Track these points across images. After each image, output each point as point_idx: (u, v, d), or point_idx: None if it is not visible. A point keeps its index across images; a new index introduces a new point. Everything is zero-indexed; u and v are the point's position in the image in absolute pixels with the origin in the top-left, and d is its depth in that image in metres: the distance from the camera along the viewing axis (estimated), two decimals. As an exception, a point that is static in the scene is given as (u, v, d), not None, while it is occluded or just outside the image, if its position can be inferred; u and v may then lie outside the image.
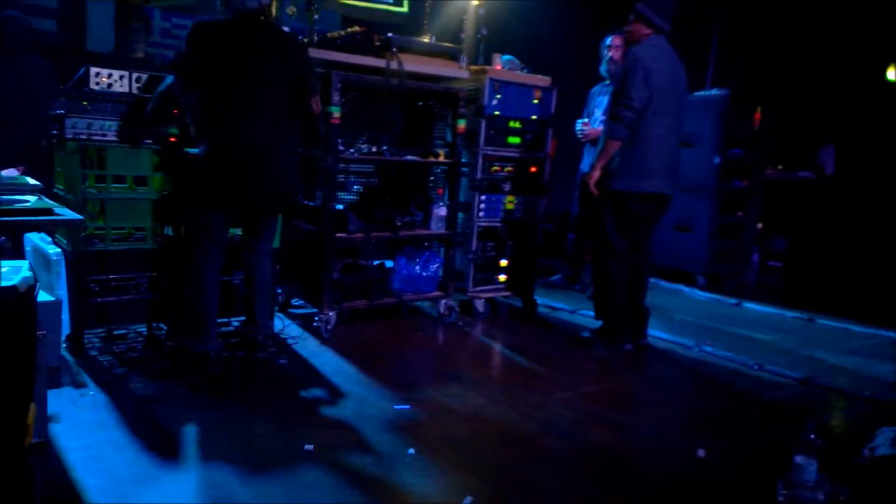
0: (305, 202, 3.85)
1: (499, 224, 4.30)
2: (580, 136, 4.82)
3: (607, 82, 4.74)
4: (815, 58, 6.35)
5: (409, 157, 3.89)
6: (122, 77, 3.00)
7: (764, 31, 6.50)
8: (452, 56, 3.87)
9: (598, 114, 4.69)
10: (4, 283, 1.47)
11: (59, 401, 2.56)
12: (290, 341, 3.49)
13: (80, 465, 2.14)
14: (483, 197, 4.19)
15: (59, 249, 2.98)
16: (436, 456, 2.37)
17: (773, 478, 2.19)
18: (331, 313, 3.61)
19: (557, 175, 6.54)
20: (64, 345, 3.03)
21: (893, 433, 2.39)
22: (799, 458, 2.13)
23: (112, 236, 3.05)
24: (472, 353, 3.70)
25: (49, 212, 1.93)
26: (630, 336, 3.75)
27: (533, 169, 4.38)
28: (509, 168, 4.28)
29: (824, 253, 6.37)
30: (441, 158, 3.98)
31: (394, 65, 3.53)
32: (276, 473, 2.17)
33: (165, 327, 3.32)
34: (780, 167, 6.75)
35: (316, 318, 3.63)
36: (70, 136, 2.88)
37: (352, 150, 3.73)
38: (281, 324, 3.71)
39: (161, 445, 2.32)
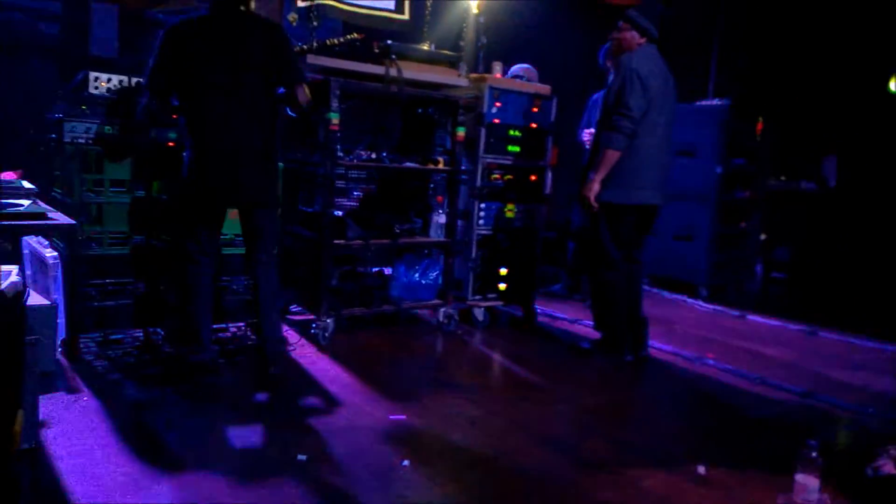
0: (304, 208, 3.84)
1: (498, 232, 4.27)
2: (586, 145, 4.77)
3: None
4: (817, 68, 6.33)
5: (408, 165, 3.87)
6: (120, 81, 2.99)
7: (765, 40, 6.49)
8: (452, 64, 3.86)
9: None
10: (-9, 289, 1.45)
11: (52, 406, 2.55)
12: (287, 348, 3.47)
13: (70, 471, 2.11)
14: (483, 205, 4.17)
15: (55, 253, 2.98)
16: (430, 468, 2.34)
17: (774, 495, 2.15)
18: (329, 320, 3.58)
19: (558, 183, 6.54)
20: (59, 349, 3.01)
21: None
22: (800, 476, 2.09)
23: (108, 240, 3.04)
24: (471, 363, 3.67)
25: (42, 216, 1.92)
26: (630, 347, 3.72)
27: (533, 177, 4.36)
28: (509, 176, 4.26)
29: (828, 264, 6.32)
30: (441, 166, 3.97)
31: (393, 72, 3.52)
32: (267, 483, 2.14)
33: (162, 332, 3.31)
34: (782, 177, 6.72)
35: (314, 326, 3.61)
36: (68, 140, 2.88)
37: (351, 157, 3.72)
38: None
39: (152, 453, 2.29)
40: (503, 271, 4.35)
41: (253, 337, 3.48)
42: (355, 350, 3.59)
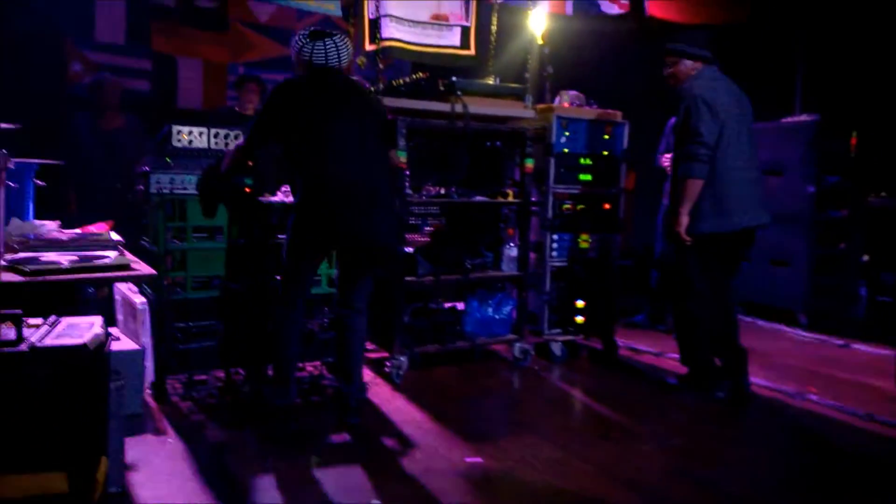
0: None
1: (573, 263, 4.17)
2: (668, 171, 4.58)
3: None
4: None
5: (477, 198, 3.85)
6: (201, 134, 3.14)
7: (854, 51, 6.11)
8: (517, 96, 3.84)
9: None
10: (74, 342, 1.51)
11: (139, 449, 2.63)
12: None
13: (154, 516, 2.18)
14: (555, 236, 4.08)
15: (144, 299, 3.12)
16: (506, 514, 2.25)
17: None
18: (402, 358, 3.57)
19: (637, 209, 6.34)
20: (148, 391, 3.14)
21: None
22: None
23: (192, 285, 3.16)
24: (548, 401, 3.55)
25: (126, 267, 2.00)
26: (722, 382, 3.49)
27: (606, 206, 4.24)
28: (581, 206, 4.16)
29: (941, 286, 5.77)
30: (510, 198, 3.93)
31: (458, 108, 3.54)
32: (341, 529, 2.12)
33: (244, 372, 3.39)
34: (882, 194, 6.23)
35: (388, 364, 3.61)
36: (154, 191, 3.03)
37: (420, 194, 3.74)
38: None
39: (232, 497, 2.33)
40: (580, 303, 4.23)
41: (329, 376, 3.52)
42: (430, 388, 3.55)
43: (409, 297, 3.83)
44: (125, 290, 3.26)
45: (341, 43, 2.89)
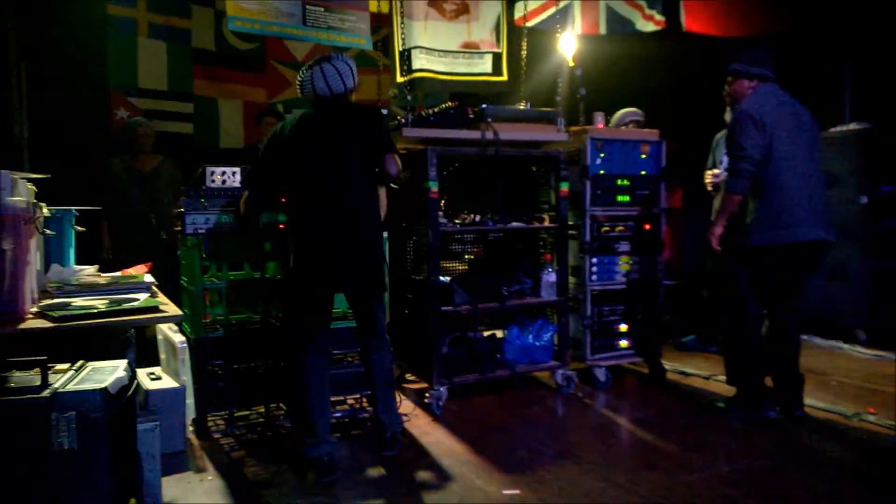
0: (412, 276, 3.87)
1: (615, 286, 4.07)
2: (710, 187, 4.46)
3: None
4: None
5: (513, 225, 3.81)
6: (234, 173, 3.21)
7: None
8: (549, 120, 3.80)
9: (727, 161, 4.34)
10: (95, 387, 1.54)
11: (179, 486, 2.67)
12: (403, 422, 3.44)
13: (189, 555, 2.19)
14: (594, 259, 4.00)
15: (182, 338, 3.19)
16: (544, 552, 2.17)
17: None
18: (441, 389, 3.53)
19: (686, 227, 6.15)
20: (190, 428, 3.19)
21: None
22: None
23: (231, 321, 3.21)
24: (591, 428, 3.43)
25: (155, 309, 2.04)
26: (772, 403, 3.33)
27: (647, 226, 4.14)
28: (620, 227, 4.07)
29: None
30: (546, 223, 3.87)
31: (489, 135, 3.52)
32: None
33: (284, 408, 3.41)
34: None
35: (427, 395, 3.57)
36: (190, 232, 3.11)
37: (455, 223, 3.72)
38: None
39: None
40: (623, 327, 4.11)
41: (369, 409, 3.50)
42: (469, 418, 3.49)
43: (448, 326, 3.80)
44: (166, 329, 3.34)
45: (341, 65, 2.79)
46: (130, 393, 1.72)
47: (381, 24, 4.95)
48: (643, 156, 4.09)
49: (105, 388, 1.54)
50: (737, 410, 3.40)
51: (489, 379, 3.75)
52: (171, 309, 2.08)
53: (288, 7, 4.10)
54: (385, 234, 3.14)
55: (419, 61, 4.62)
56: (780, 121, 3.22)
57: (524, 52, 4.21)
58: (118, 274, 2.62)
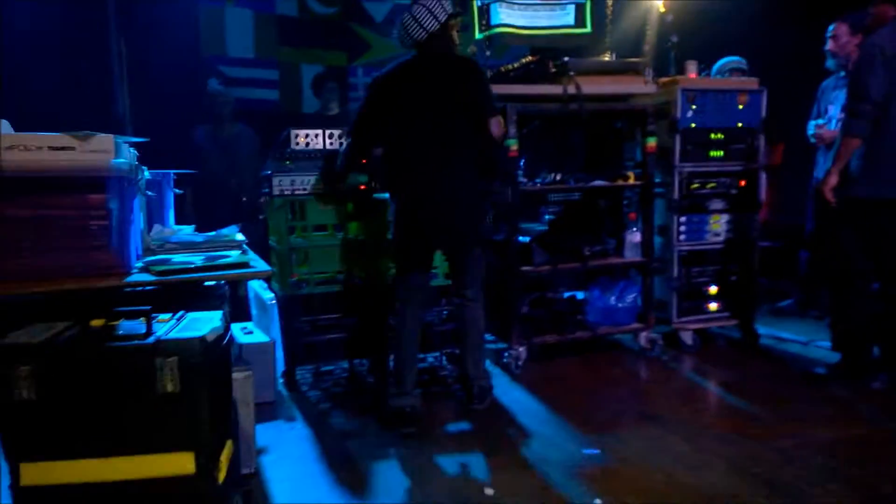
0: (493, 237, 3.85)
1: (705, 246, 3.90)
2: (814, 139, 4.15)
3: (842, 74, 4.05)
4: None
5: (596, 183, 3.71)
6: (317, 136, 3.28)
7: None
8: (636, 71, 3.63)
9: (834, 111, 4.01)
10: (194, 335, 1.64)
11: (271, 433, 2.82)
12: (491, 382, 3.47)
13: (280, 495, 2.32)
14: (683, 218, 3.83)
15: (272, 294, 3.33)
16: (624, 510, 2.15)
17: None
18: (520, 349, 3.53)
19: (786, 185, 5.77)
20: (281, 380, 3.35)
21: None
22: None
23: (316, 280, 3.32)
24: (676, 392, 3.35)
25: (246, 265, 2.13)
26: (881, 373, 3.12)
27: (742, 182, 3.92)
28: (712, 184, 3.87)
29: None
30: (631, 181, 3.74)
31: (571, 89, 3.41)
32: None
33: (367, 363, 3.53)
34: None
35: (505, 354, 3.58)
36: (277, 193, 3.21)
37: (535, 181, 3.66)
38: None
39: (352, 480, 2.42)
40: (713, 289, 3.95)
41: (448, 367, 3.56)
42: (549, 379, 3.48)
43: (528, 287, 3.77)
44: (257, 287, 3.51)
45: (428, 1, 2.77)
46: (226, 342, 1.82)
47: (460, -21, 4.87)
48: (740, 106, 3.85)
49: (203, 336, 1.64)
50: (839, 378, 3.21)
51: (569, 340, 3.71)
52: (260, 265, 2.17)
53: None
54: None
55: (498, 16, 4.51)
56: None
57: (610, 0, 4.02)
58: (213, 234, 2.75)
